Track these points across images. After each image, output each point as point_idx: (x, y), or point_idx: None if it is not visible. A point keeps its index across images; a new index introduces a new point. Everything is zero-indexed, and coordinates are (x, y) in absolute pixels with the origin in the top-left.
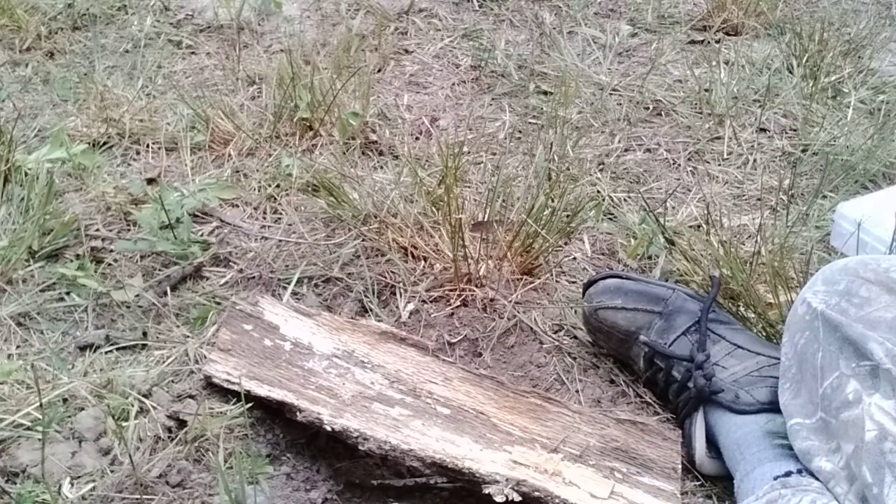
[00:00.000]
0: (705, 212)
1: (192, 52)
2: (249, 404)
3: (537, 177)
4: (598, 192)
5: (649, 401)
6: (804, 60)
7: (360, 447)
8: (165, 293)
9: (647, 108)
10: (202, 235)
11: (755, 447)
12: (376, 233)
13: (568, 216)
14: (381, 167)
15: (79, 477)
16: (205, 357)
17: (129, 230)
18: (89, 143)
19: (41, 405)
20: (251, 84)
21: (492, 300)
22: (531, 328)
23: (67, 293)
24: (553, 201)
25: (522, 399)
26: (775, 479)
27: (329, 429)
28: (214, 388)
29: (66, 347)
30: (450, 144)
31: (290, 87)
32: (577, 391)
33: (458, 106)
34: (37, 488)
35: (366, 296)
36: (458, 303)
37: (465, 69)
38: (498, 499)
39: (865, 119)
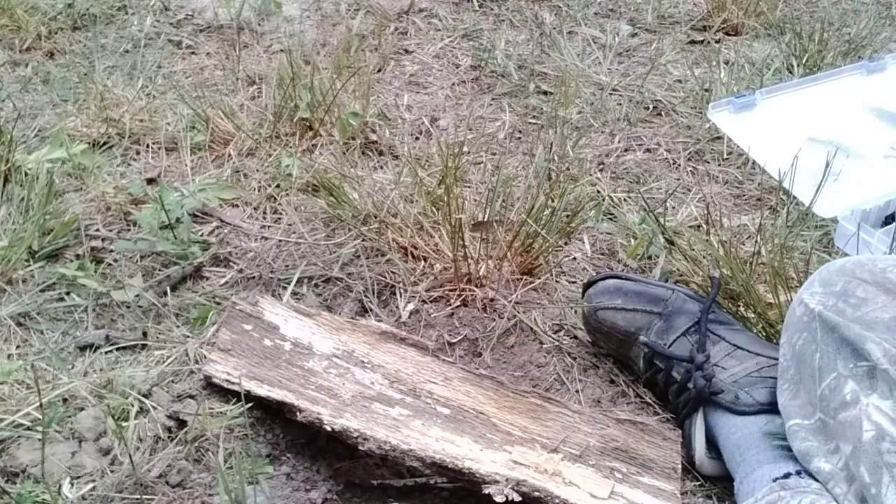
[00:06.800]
0: (705, 212)
1: (192, 52)
2: (249, 404)
3: (537, 177)
4: (598, 192)
5: (649, 401)
6: (804, 60)
7: (360, 447)
8: (165, 293)
9: (647, 108)
10: (202, 235)
11: (754, 448)
12: (376, 233)
13: (568, 216)
14: (381, 167)
15: (79, 477)
16: (205, 357)
17: (129, 230)
18: (89, 143)
19: (41, 405)
20: (251, 84)
21: (492, 300)
22: (531, 328)
23: (67, 293)
24: (553, 201)
25: (522, 399)
26: (774, 480)
27: (329, 429)
28: (214, 388)
29: (66, 347)
30: (450, 144)
31: (290, 87)
32: (577, 391)
33: (458, 106)
34: (37, 488)
35: (366, 296)
36: (458, 303)
37: (465, 69)
38: (498, 499)
39: None
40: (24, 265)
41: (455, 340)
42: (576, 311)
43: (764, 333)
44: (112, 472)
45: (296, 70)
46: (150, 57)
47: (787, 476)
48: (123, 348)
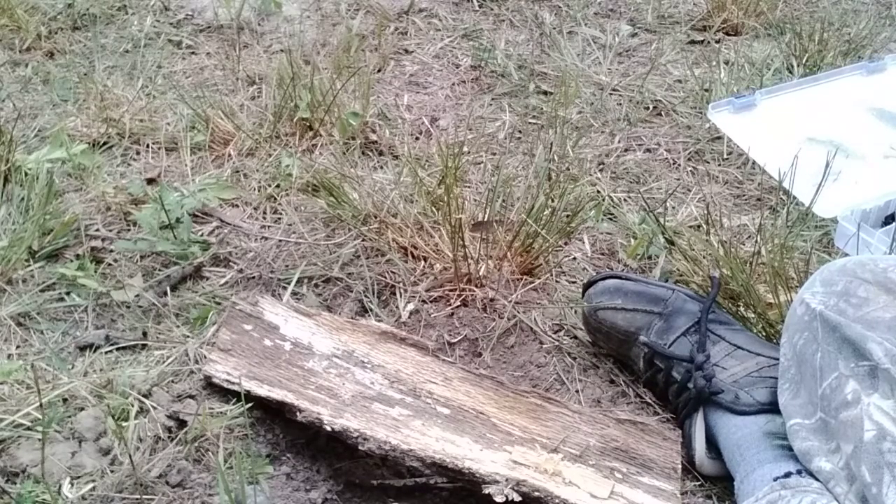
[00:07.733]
0: (705, 212)
1: (192, 52)
2: (249, 404)
3: (537, 177)
4: (598, 192)
5: (649, 401)
6: (804, 60)
7: (360, 447)
8: (165, 293)
9: (647, 108)
10: (202, 235)
11: (755, 448)
12: (376, 233)
13: (568, 216)
14: (381, 167)
15: (79, 477)
16: (205, 357)
17: (129, 230)
18: (89, 143)
19: (41, 405)
20: (251, 84)
21: (492, 300)
22: (531, 328)
23: (67, 293)
24: (553, 201)
25: (522, 399)
26: (775, 480)
27: (329, 429)
28: (214, 388)
29: (66, 347)
30: (450, 144)
31: (290, 87)
32: (577, 391)
33: (458, 106)
34: (37, 488)
35: (366, 296)
36: (458, 303)
37: (465, 69)
38: (498, 499)
39: None
40: (24, 265)
41: (455, 340)
42: (576, 311)
43: (764, 333)
44: (112, 472)
45: (296, 70)
46: (150, 57)
47: (787, 475)
48: (123, 348)
